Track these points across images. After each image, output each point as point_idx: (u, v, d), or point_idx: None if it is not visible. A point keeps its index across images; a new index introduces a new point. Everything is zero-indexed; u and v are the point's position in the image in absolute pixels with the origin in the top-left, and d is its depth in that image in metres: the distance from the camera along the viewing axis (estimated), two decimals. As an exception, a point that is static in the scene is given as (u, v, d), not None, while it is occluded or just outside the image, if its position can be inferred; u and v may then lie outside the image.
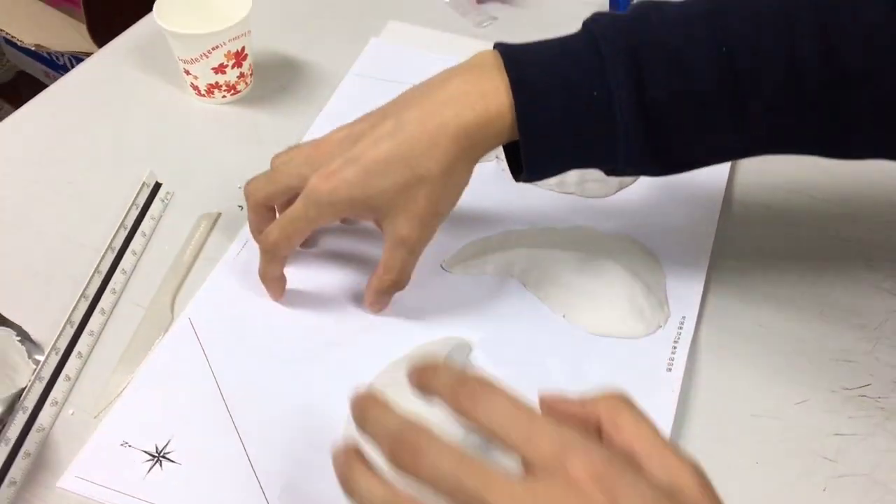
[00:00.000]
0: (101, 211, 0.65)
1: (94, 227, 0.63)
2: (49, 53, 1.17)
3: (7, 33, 1.06)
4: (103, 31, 1.10)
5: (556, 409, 0.39)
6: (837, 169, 0.60)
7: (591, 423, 0.37)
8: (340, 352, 0.56)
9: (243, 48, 0.72)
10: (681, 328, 0.57)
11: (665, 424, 0.51)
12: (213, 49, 0.69)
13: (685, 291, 0.59)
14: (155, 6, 0.70)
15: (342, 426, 0.52)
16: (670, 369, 0.55)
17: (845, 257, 0.62)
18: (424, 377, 0.40)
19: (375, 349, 0.56)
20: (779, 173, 0.68)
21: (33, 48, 1.06)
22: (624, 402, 0.37)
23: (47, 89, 0.77)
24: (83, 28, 1.14)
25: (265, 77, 0.77)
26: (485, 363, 0.55)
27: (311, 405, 0.53)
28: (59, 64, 1.32)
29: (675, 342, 0.56)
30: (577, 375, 0.55)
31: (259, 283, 0.59)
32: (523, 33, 0.82)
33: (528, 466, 0.35)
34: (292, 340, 0.57)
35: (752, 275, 0.61)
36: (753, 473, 0.50)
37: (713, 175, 0.67)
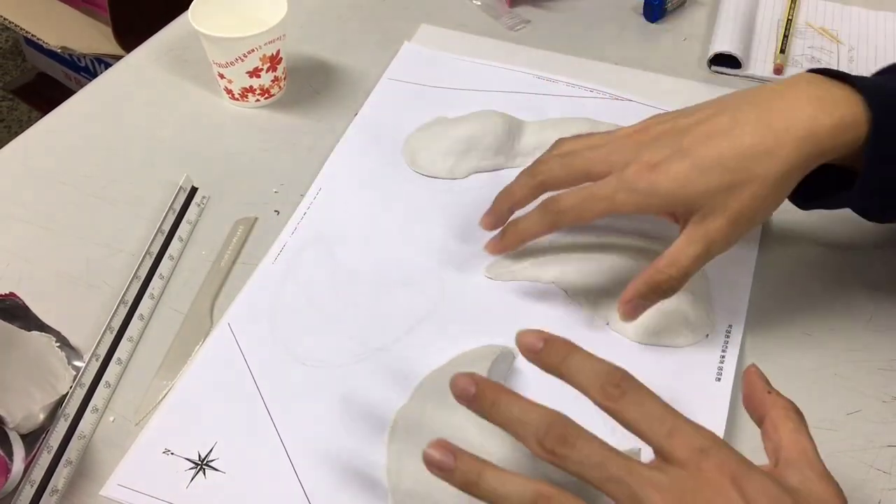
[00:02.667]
0: (136, 215, 0.64)
1: (130, 232, 0.63)
2: (72, 55, 1.17)
3: (32, 34, 1.06)
4: (128, 34, 1.11)
5: (751, 384, 0.44)
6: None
7: (760, 410, 0.43)
8: (382, 357, 0.55)
9: (278, 52, 0.71)
10: (727, 337, 0.56)
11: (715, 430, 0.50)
12: (249, 53, 0.69)
13: (731, 300, 0.58)
14: (190, 9, 0.70)
15: (386, 431, 0.51)
16: (719, 378, 0.54)
17: (893, 263, 0.61)
18: (552, 359, 0.43)
19: (416, 356, 0.55)
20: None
21: (59, 50, 1.06)
22: (795, 411, 0.42)
23: (79, 92, 0.77)
24: (107, 30, 1.13)
25: (298, 81, 0.76)
26: (528, 372, 0.54)
27: (353, 410, 0.52)
28: (82, 66, 1.32)
29: (723, 352, 0.55)
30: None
31: (297, 287, 0.58)
32: (557, 37, 0.82)
33: (666, 459, 0.39)
34: (332, 347, 0.56)
35: (798, 283, 0.60)
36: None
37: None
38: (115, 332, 0.55)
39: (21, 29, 1.07)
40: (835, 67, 0.76)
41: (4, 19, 1.08)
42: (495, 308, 0.58)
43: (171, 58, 0.79)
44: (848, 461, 0.51)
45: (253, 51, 0.69)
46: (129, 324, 0.56)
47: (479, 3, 0.86)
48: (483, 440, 0.48)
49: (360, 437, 0.51)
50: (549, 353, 0.43)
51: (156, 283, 0.59)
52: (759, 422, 0.43)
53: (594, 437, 0.40)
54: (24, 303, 0.54)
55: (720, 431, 0.51)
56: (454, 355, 0.55)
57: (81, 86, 1.38)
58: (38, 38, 1.05)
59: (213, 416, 0.52)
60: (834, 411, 0.53)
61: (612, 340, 0.56)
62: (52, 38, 1.02)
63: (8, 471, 0.46)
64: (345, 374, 0.54)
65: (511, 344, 0.55)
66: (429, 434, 0.49)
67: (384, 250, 0.62)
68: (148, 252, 0.60)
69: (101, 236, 0.63)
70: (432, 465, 0.41)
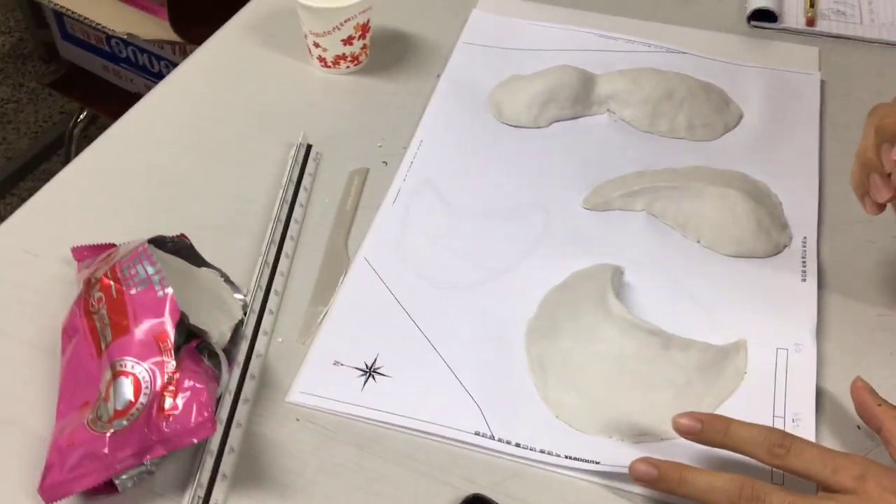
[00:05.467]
0: (261, 172, 0.71)
1: (259, 186, 0.69)
2: (134, 42, 1.21)
3: (101, 24, 1.12)
4: (184, 22, 1.16)
5: (862, 399, 0.51)
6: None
7: (875, 422, 0.50)
8: (505, 278, 0.63)
9: (368, 20, 0.78)
10: (804, 246, 0.65)
11: (808, 323, 0.59)
12: (345, 22, 0.76)
13: (801, 215, 0.67)
14: (288, -16, 0.77)
15: (523, 337, 0.58)
16: (805, 279, 0.62)
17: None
18: (716, 435, 0.48)
19: (535, 276, 0.63)
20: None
21: (125, 37, 1.11)
22: None
23: (179, 67, 0.83)
24: (163, 23, 1.19)
25: (379, 49, 0.83)
26: (636, 284, 0.62)
27: (489, 322, 0.60)
28: (122, 57, 1.38)
29: (804, 258, 0.64)
30: (720, 291, 0.62)
31: (417, 225, 0.66)
32: (611, 3, 0.90)
33: (835, 491, 0.45)
34: (457, 272, 0.63)
35: (858, 203, 0.68)
36: (889, 361, 0.58)
37: (808, 117, 0.75)
38: (269, 267, 0.62)
39: (87, 20, 1.12)
40: (857, 18, 0.84)
41: (73, 12, 1.13)
42: (596, 233, 0.66)
43: (258, 34, 0.85)
44: (920, 341, 0.59)
45: (349, 20, 0.76)
46: (279, 260, 0.63)
47: (532, -27, 0.93)
48: (618, 337, 0.56)
49: (500, 344, 0.59)
50: (709, 431, 0.49)
51: (293, 227, 0.66)
52: (877, 431, 0.50)
53: (778, 488, 0.46)
54: (191, 243, 0.61)
55: (812, 323, 0.59)
56: (569, 274, 0.63)
57: (120, 77, 1.44)
58: (105, 28, 1.10)
59: (369, 333, 0.59)
60: (902, 301, 0.61)
61: (705, 254, 0.64)
62: (119, 25, 1.08)
63: (218, 379, 0.52)
64: (474, 294, 0.62)
65: (616, 261, 0.63)
66: (566, 337, 0.57)
67: (487, 190, 0.69)
68: (283, 199, 0.67)
69: (234, 191, 0.69)
70: (639, 478, 0.48)
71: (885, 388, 0.55)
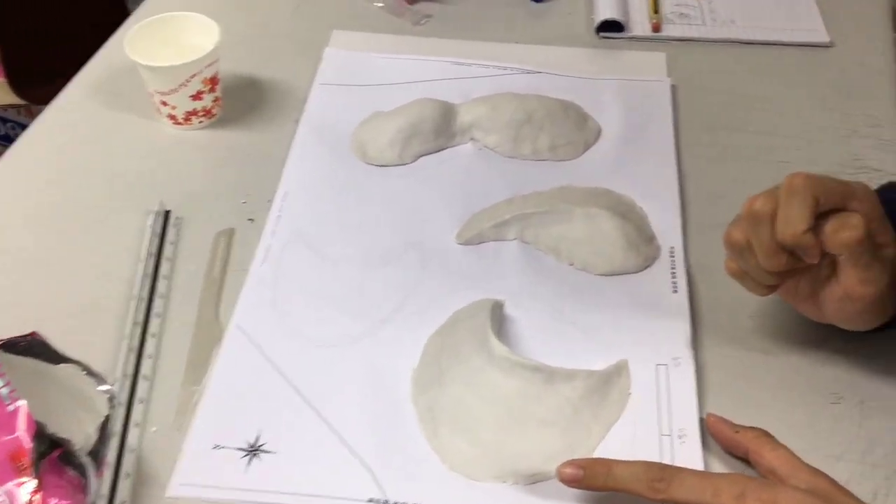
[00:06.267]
0: (118, 244, 0.67)
1: (115, 261, 0.66)
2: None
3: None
4: (25, 84, 1.10)
5: (719, 432, 0.53)
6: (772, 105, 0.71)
7: (740, 449, 0.52)
8: (386, 328, 0.61)
9: (216, 73, 0.75)
10: (672, 257, 0.66)
11: (683, 336, 0.60)
12: (192, 77, 0.73)
13: (667, 225, 0.68)
14: (126, 43, 0.73)
15: (408, 390, 0.57)
16: (676, 291, 0.63)
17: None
18: (598, 479, 0.49)
19: (416, 322, 0.62)
20: (718, 114, 0.78)
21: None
22: (765, 435, 0.52)
23: (22, 135, 0.78)
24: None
25: (232, 99, 0.80)
26: (517, 316, 0.62)
27: (373, 378, 0.58)
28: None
29: (673, 268, 0.65)
30: (597, 312, 0.62)
31: (290, 282, 0.64)
32: (458, 26, 0.90)
33: None
34: (337, 327, 0.61)
35: (720, 204, 0.70)
36: (765, 361, 0.59)
37: (662, 124, 0.77)
38: (135, 352, 0.59)
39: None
40: (699, 19, 0.87)
41: None
42: (472, 268, 0.66)
43: (103, 93, 0.81)
44: (793, 340, 0.61)
45: (195, 75, 0.73)
46: (145, 341, 0.60)
47: (381, 4, 0.92)
48: (502, 378, 0.55)
49: (387, 400, 0.57)
50: (591, 476, 0.49)
51: (157, 303, 0.63)
52: (744, 456, 0.52)
53: (685, 469, 0.48)
54: (44, 339, 0.57)
55: (686, 335, 0.60)
56: (451, 315, 0.62)
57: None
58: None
59: (249, 408, 0.57)
60: (770, 302, 0.63)
61: (580, 278, 0.65)
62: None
63: (86, 490, 0.49)
64: (357, 349, 0.60)
65: (494, 294, 0.63)
66: (453, 384, 0.56)
67: (359, 236, 0.68)
68: (145, 273, 0.63)
69: (90, 269, 0.65)
70: (567, 481, 0.49)
71: (765, 388, 0.57)
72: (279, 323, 0.62)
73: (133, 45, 0.73)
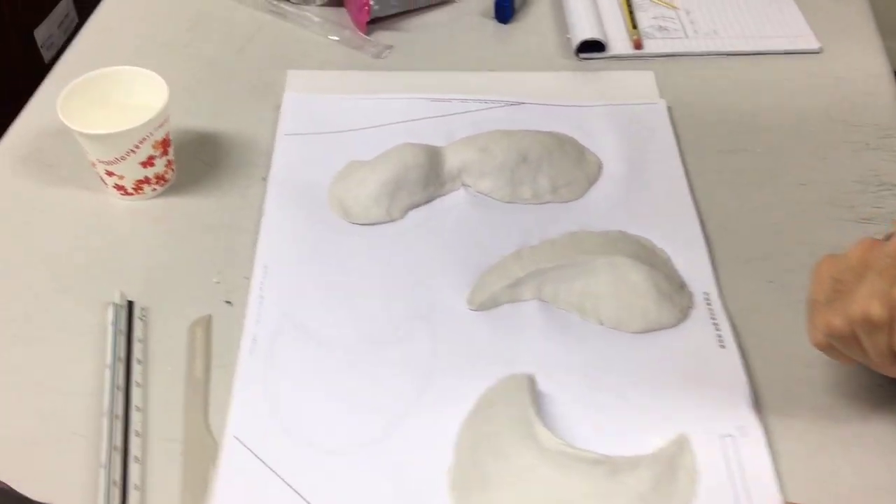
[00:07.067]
0: (73, 349, 0.57)
1: (78, 369, 0.56)
2: None
3: None
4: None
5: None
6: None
7: None
8: (406, 423, 0.53)
9: (167, 134, 0.66)
10: (709, 304, 0.60)
11: (744, 399, 0.54)
12: (141, 143, 0.63)
13: (694, 267, 0.62)
14: (59, 109, 0.63)
15: (446, 495, 0.50)
16: (723, 345, 0.57)
17: (807, 196, 0.68)
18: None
19: (440, 411, 0.54)
20: (719, 135, 0.73)
21: None
22: None
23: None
24: None
25: (186, 159, 0.71)
26: (551, 392, 0.55)
27: (401, 485, 0.50)
28: None
29: (713, 318, 0.59)
30: (639, 378, 0.56)
31: (287, 375, 0.55)
32: (424, 55, 0.82)
33: None
34: (351, 428, 0.53)
35: (746, 236, 0.65)
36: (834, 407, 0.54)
37: (666, 152, 0.71)
38: (118, 485, 0.49)
39: None
40: (681, 32, 0.82)
41: None
42: (491, 338, 0.58)
43: (34, 164, 0.70)
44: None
45: (144, 140, 0.63)
46: (127, 468, 0.50)
47: (336, 38, 0.84)
48: (559, 477, 0.48)
49: (410, 492, 0.49)
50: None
51: (134, 417, 0.53)
52: None
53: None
54: (9, 487, 0.47)
55: (747, 398, 0.54)
56: (476, 398, 0.54)
57: None
58: None
59: (263, 538, 0.48)
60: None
61: (612, 338, 0.58)
62: None
63: None
64: (376, 452, 0.52)
65: (520, 367, 0.55)
66: (499, 486, 0.49)
67: (356, 312, 0.60)
68: (114, 385, 0.54)
69: (47, 382, 0.55)
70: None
71: (845, 435, 0.52)
72: (281, 429, 0.53)
73: (66, 109, 0.63)
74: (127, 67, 0.67)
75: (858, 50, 0.81)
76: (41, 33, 1.06)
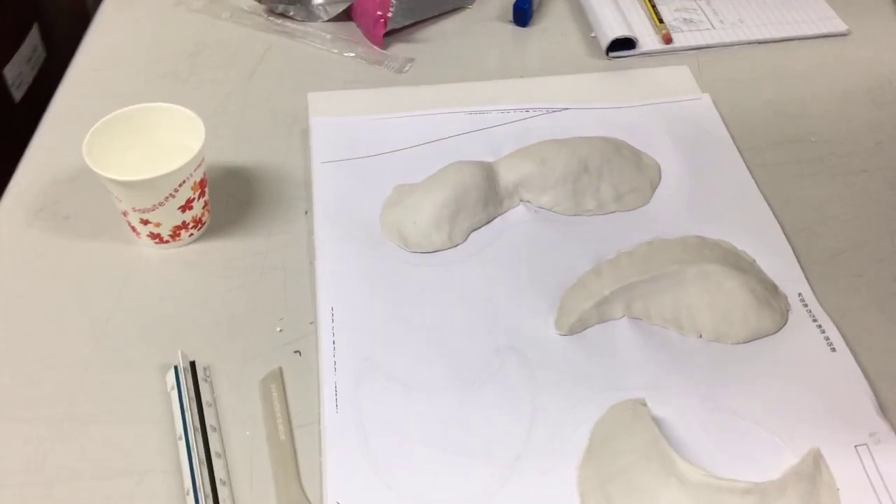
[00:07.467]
0: (132, 423, 0.51)
1: (138, 442, 0.50)
2: None
3: None
4: None
5: None
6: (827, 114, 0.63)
7: None
8: (521, 470, 0.49)
9: (204, 174, 0.60)
10: (806, 306, 0.57)
11: (869, 403, 0.51)
12: (181, 185, 0.57)
13: (781, 269, 0.59)
14: (86, 156, 0.57)
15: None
16: (833, 347, 0.54)
17: (870, 184, 0.66)
18: None
19: (553, 452, 0.50)
20: (769, 126, 0.70)
21: None
22: None
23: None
24: None
25: (219, 197, 0.65)
26: (665, 416, 0.51)
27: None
28: None
29: (815, 320, 0.56)
30: (753, 390, 0.52)
31: (381, 426, 0.50)
32: (447, 67, 0.78)
33: None
34: (461, 478, 0.49)
35: (824, 230, 0.62)
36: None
37: (722, 147, 0.68)
38: (222, 574, 0.44)
39: None
40: (706, 23, 0.79)
41: None
42: (588, 364, 0.54)
43: (47, 218, 0.64)
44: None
45: (184, 182, 0.58)
46: (228, 555, 0.45)
47: (352, 54, 0.79)
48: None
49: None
50: None
51: (221, 492, 0.48)
52: None
53: None
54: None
55: (872, 401, 0.51)
56: (588, 429, 0.51)
57: None
58: None
59: None
60: None
61: (715, 352, 0.55)
62: None
63: None
64: (494, 502, 0.48)
65: (625, 392, 0.52)
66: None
67: (439, 348, 0.55)
68: (195, 457, 0.48)
69: (114, 465, 0.50)
70: None
71: None
72: (388, 489, 0.48)
73: (92, 153, 0.57)
74: (150, 105, 0.61)
75: (883, 30, 0.80)
76: (11, 72, 0.99)
